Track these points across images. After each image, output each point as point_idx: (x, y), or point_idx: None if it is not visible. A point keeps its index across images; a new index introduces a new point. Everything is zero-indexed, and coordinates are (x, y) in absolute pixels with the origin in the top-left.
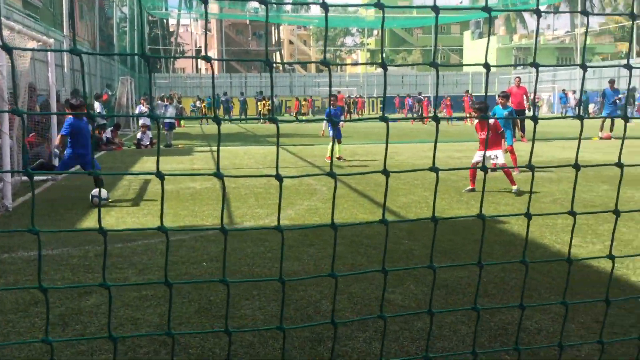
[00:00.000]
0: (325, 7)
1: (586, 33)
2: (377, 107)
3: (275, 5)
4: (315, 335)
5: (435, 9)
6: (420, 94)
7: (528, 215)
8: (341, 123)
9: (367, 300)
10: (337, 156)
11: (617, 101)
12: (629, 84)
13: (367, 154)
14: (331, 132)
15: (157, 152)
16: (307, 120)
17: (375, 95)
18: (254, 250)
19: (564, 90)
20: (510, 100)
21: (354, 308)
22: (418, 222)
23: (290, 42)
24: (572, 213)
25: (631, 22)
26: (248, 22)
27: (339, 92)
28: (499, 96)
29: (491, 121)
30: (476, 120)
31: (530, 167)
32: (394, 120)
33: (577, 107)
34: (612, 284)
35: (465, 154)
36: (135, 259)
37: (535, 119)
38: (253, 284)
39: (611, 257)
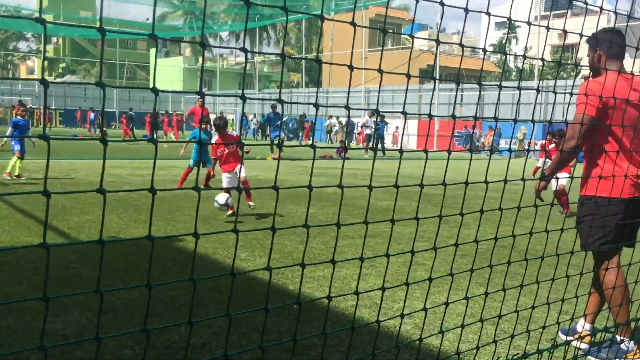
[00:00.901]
0: (244, 51)
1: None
2: (57, 120)
3: None
4: None
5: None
6: (131, 109)
7: (195, 235)
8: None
9: (22, 332)
10: (17, 174)
11: (281, 124)
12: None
13: (39, 170)
14: (16, 147)
15: None
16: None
17: (54, 107)
18: None
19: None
20: (192, 120)
21: (5, 342)
22: (90, 243)
23: None
24: (235, 231)
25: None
26: None
27: (20, 101)
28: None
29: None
30: (215, 137)
31: (238, 188)
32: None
33: (259, 130)
34: (273, 294)
35: (148, 170)
36: None
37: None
38: None
39: (268, 268)
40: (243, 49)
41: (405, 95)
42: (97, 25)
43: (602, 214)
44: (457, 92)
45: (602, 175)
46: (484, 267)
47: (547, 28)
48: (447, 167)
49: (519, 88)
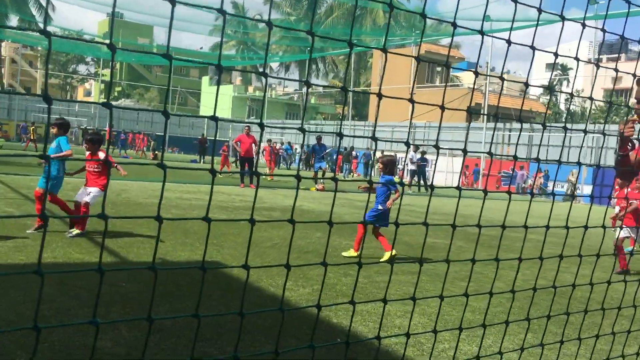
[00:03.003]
0: (307, 84)
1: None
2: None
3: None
4: None
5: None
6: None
7: (246, 267)
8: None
9: (72, 348)
10: None
11: (325, 155)
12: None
13: None
14: None
15: None
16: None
17: (107, 128)
18: None
19: (289, 143)
20: (239, 146)
21: (55, 357)
22: (142, 269)
23: (14, 61)
24: (287, 266)
25: (344, 93)
26: None
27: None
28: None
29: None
30: (87, 152)
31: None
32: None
33: (305, 160)
34: (318, 325)
35: (195, 195)
36: None
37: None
38: None
39: (318, 306)
40: (306, 82)
41: (439, 130)
42: (156, 51)
43: None
44: (494, 129)
45: None
46: (520, 320)
47: (597, 65)
48: (482, 206)
49: (564, 128)
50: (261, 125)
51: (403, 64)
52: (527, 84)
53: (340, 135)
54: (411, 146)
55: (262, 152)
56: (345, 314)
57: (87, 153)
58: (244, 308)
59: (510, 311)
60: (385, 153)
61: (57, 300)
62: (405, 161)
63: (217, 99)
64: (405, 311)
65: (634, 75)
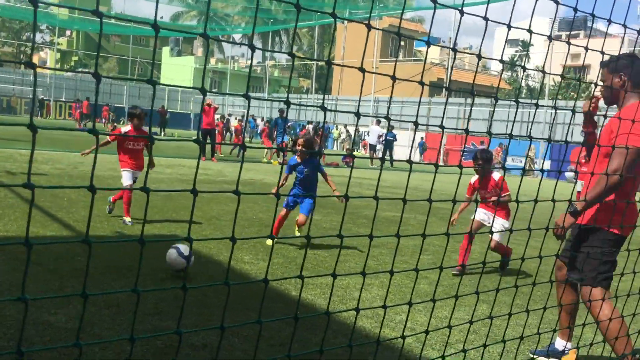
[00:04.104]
0: (252, 48)
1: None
2: (66, 112)
3: None
4: None
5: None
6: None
7: (189, 239)
8: None
9: (25, 323)
10: None
11: (288, 129)
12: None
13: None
14: None
15: None
16: None
17: (64, 99)
18: None
19: (252, 116)
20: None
21: (7, 333)
22: (96, 237)
23: None
24: (231, 239)
25: (314, 63)
26: None
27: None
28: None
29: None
30: (128, 128)
31: (194, 191)
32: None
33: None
34: (276, 299)
35: (156, 168)
36: None
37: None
38: None
39: (265, 281)
40: (250, 46)
41: (419, 106)
42: (112, 20)
43: (614, 248)
44: (472, 106)
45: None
46: (489, 291)
47: (568, 43)
48: (458, 182)
49: (536, 105)
50: (252, 99)
51: (368, 38)
52: (502, 62)
53: (324, 109)
54: (374, 120)
55: (261, 132)
56: (304, 287)
57: (130, 126)
58: (201, 282)
59: (478, 284)
60: (347, 127)
61: (9, 276)
62: (369, 134)
63: (155, 49)
64: (365, 284)
65: (602, 52)
